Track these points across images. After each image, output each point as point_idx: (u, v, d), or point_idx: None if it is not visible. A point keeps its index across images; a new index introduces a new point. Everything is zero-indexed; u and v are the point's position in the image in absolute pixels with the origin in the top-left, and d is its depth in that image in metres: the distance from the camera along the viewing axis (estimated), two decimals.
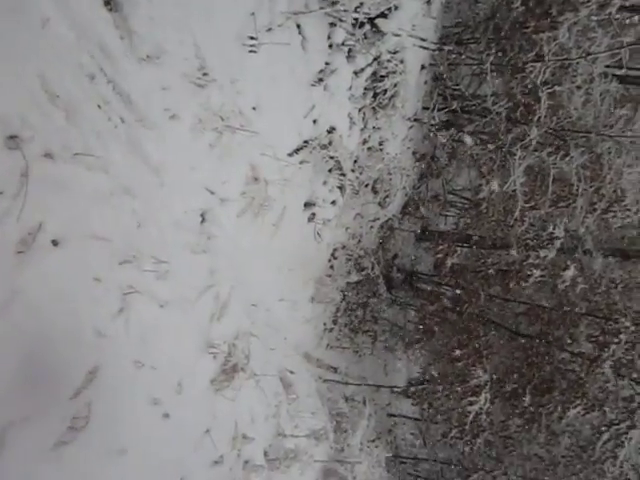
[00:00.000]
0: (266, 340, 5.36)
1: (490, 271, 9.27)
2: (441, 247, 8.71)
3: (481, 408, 8.35)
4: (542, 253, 8.34)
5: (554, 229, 8.20)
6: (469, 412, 8.55)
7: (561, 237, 8.22)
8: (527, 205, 7.83)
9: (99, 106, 3.03)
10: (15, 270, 2.04)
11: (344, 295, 8.22)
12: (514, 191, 7.84)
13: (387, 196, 7.40)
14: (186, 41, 3.73)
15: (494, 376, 8.85)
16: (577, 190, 7.97)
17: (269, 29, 4.57)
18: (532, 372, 9.11)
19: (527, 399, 8.91)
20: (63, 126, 2.48)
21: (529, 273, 8.44)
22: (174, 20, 3.58)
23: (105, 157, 2.80)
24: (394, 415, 10.64)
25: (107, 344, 2.64)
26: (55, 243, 2.24)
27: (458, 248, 9.01)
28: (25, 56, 2.29)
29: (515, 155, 7.37)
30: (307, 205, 6.13)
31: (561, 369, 8.90)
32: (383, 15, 5.56)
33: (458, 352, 9.02)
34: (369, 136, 6.54)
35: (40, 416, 2.21)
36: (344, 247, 7.49)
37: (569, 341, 8.91)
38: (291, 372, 5.90)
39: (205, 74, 3.95)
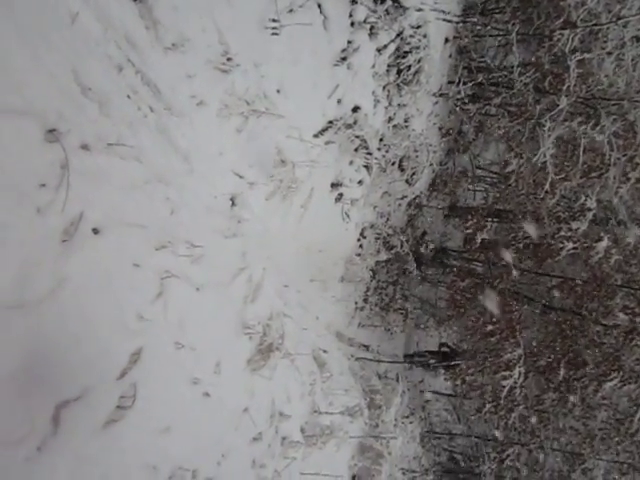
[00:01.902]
0: (299, 320, 5.45)
1: (521, 245, 9.17)
2: (470, 223, 8.64)
3: (515, 382, 8.33)
4: (574, 225, 8.20)
5: (586, 200, 8.05)
6: (503, 387, 8.54)
7: (593, 208, 8.07)
8: (557, 177, 7.69)
9: (128, 96, 3.10)
10: (61, 258, 2.13)
11: (374, 274, 8.26)
12: (544, 163, 7.71)
13: (414, 173, 7.37)
14: (209, 28, 3.76)
15: (528, 350, 8.81)
16: (609, 160, 7.79)
17: (290, 10, 4.56)
18: (566, 346, 9.03)
19: (562, 373, 8.84)
20: (97, 117, 2.55)
21: (561, 246, 8.31)
22: (196, 8, 3.61)
23: (137, 146, 2.88)
24: (427, 392, 10.70)
25: (148, 327, 2.74)
26: (96, 231, 2.32)
27: (488, 223, 8.92)
28: (58, 52, 2.36)
29: (544, 126, 7.23)
30: (334, 186, 6.15)
31: (596, 342, 8.79)
32: None
33: (490, 327, 8.99)
34: (394, 113, 6.50)
35: (90, 396, 2.33)
36: (372, 226, 7.50)
37: (604, 313, 8.78)
38: (324, 351, 6.00)
39: (229, 59, 3.98)
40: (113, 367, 2.56)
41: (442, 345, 8.38)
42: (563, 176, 7.81)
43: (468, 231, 8.81)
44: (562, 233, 8.10)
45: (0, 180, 1.90)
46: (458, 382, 10.36)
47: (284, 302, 4.96)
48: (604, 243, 8.09)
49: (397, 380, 8.40)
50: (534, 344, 9.41)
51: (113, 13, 3.02)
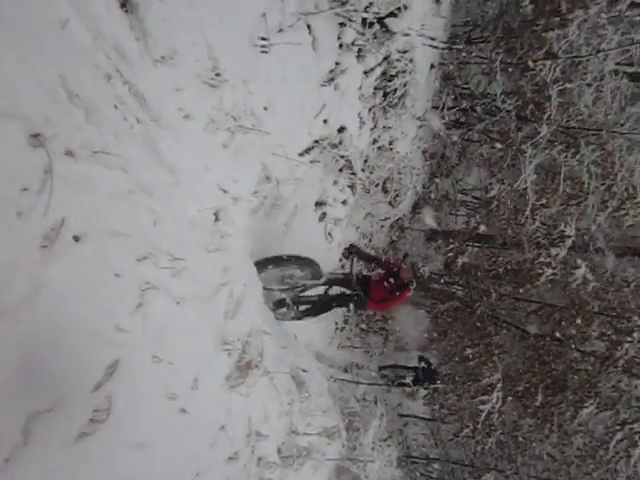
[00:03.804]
0: (278, 338, 5.39)
1: (501, 270, 9.28)
2: (452, 246, 8.72)
3: (493, 407, 8.34)
4: (553, 251, 8.33)
5: (565, 227, 8.19)
6: (481, 411, 8.53)
7: (572, 235, 8.21)
8: (538, 203, 7.84)
9: (115, 106, 3.08)
10: (40, 264, 2.09)
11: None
12: (525, 189, 7.85)
13: (397, 195, 7.44)
14: (199, 42, 3.78)
15: (506, 375, 8.85)
16: (588, 188, 7.97)
17: (280, 30, 4.62)
18: (544, 371, 9.10)
19: (539, 398, 8.89)
20: (83, 125, 2.53)
21: (540, 272, 8.42)
22: (187, 21, 3.63)
23: (123, 156, 2.85)
24: (405, 415, 10.65)
25: (126, 339, 2.69)
26: (77, 239, 2.28)
27: (469, 247, 9.02)
28: (46, 56, 2.35)
29: (526, 153, 7.38)
30: (318, 204, 6.17)
31: (573, 368, 8.89)
32: (393, 14, 5.61)
33: (470, 351, 9.03)
34: (379, 135, 6.58)
35: (63, 407, 2.25)
36: None
37: (581, 340, 8.88)
38: (303, 370, 5.93)
39: (218, 75, 4.00)
40: (88, 378, 2.49)
41: (421, 359, 8.23)
42: (543, 202, 7.97)
43: (449, 254, 8.89)
44: (541, 259, 8.22)
45: None
46: (436, 406, 10.35)
47: (264, 319, 4.91)
48: (582, 270, 8.22)
49: (375, 403, 8.35)
50: (513, 369, 9.46)
51: (103, 23, 3.02)
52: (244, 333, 4.33)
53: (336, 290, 6.02)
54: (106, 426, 2.52)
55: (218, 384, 3.91)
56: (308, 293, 5.87)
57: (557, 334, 8.89)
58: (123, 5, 3.22)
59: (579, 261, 8.35)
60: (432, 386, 8.46)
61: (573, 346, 8.71)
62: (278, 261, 5.39)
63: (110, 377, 2.57)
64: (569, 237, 8.17)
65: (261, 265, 5.18)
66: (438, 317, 9.73)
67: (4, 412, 2.02)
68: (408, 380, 8.30)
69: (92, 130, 2.60)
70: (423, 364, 8.20)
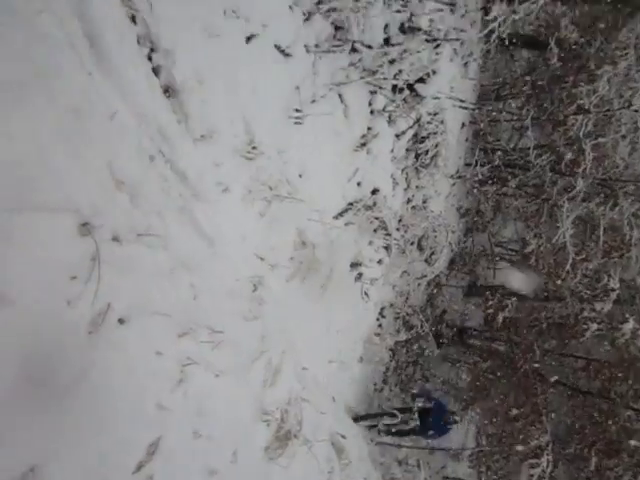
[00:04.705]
0: (317, 404, 5.32)
1: (544, 325, 9.00)
2: (491, 302, 8.55)
3: (543, 471, 7.90)
4: (598, 306, 8.07)
5: (609, 280, 7.95)
6: (531, 476, 8.09)
7: (617, 289, 7.95)
8: (578, 257, 7.66)
9: (158, 185, 3.22)
10: (85, 350, 2.16)
11: (393, 354, 8.11)
12: (564, 243, 7.70)
13: (433, 253, 7.40)
14: (236, 119, 3.96)
15: (555, 436, 8.43)
16: (630, 240, 7.77)
17: (313, 100, 4.79)
18: (596, 432, 8.63)
19: (593, 462, 8.40)
20: (128, 209, 2.65)
21: (585, 327, 8.14)
22: (225, 101, 3.82)
23: (164, 235, 2.96)
24: (450, 478, 10.19)
25: (167, 416, 2.71)
26: (121, 322, 2.36)
27: (509, 302, 8.82)
28: (95, 147, 2.50)
29: (562, 207, 7.29)
30: (353, 265, 6.18)
31: (628, 428, 8.40)
32: (421, 80, 5.75)
33: (515, 411, 8.66)
34: (413, 195, 6.63)
35: None
36: (392, 305, 7.46)
37: (634, 397, 8.45)
38: (342, 436, 5.80)
39: (254, 148, 4.15)
40: (130, 459, 2.51)
41: (415, 397, 6.86)
42: (584, 256, 7.79)
43: (489, 310, 8.71)
44: (585, 314, 7.96)
45: (33, 274, 1.96)
46: (483, 469, 9.87)
47: (302, 386, 4.87)
48: (630, 325, 7.91)
49: (418, 467, 8.02)
50: (562, 429, 9.02)
51: (148, 109, 3.21)
52: (283, 401, 4.30)
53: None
54: None
55: (257, 456, 3.86)
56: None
57: (608, 392, 8.49)
58: (166, 91, 3.43)
59: (627, 315, 8.05)
60: (444, 430, 6.75)
61: (626, 404, 8.28)
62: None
63: (152, 456, 2.58)
64: (613, 290, 7.91)
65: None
66: (480, 375, 9.43)
67: None
68: (411, 425, 6.60)
69: (136, 213, 2.72)
70: (419, 404, 6.59)
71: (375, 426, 6.95)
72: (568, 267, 7.59)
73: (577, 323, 8.31)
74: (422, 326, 7.85)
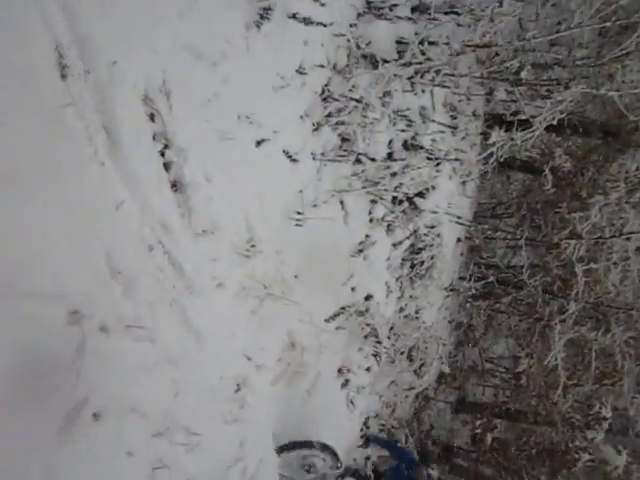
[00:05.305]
0: None
1: (534, 451, 8.64)
2: (480, 421, 8.26)
3: None
4: (589, 434, 7.79)
5: (601, 408, 7.73)
6: None
7: (609, 417, 7.71)
8: (570, 382, 7.52)
9: (154, 277, 3.21)
10: (54, 448, 2.03)
11: (375, 467, 7.68)
12: (555, 366, 7.58)
13: (423, 364, 7.26)
14: (238, 217, 4.04)
15: None
16: (622, 368, 7.67)
17: (314, 205, 4.92)
18: None
19: None
20: (120, 299, 2.62)
21: (577, 456, 7.81)
22: (230, 199, 3.91)
23: (153, 327, 2.90)
24: None
25: None
26: (96, 417, 2.24)
27: (498, 423, 8.53)
28: (97, 237, 2.52)
29: (554, 329, 7.26)
30: (341, 371, 6.03)
31: None
32: (421, 194, 5.95)
33: None
34: (406, 304, 6.62)
35: None
36: (377, 416, 7.18)
37: None
38: None
39: (253, 246, 4.19)
40: None
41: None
42: (575, 381, 7.65)
43: (477, 430, 8.39)
44: (577, 443, 7.67)
45: (16, 364, 1.89)
46: None
47: None
48: (623, 457, 7.60)
49: None
50: None
51: (154, 201, 3.27)
52: None
53: None
54: None
55: None
56: None
57: None
58: (174, 185, 3.52)
59: (619, 446, 7.76)
60: None
61: None
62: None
63: None
64: (606, 419, 7.67)
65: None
66: None
67: None
68: None
69: (128, 303, 2.69)
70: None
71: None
72: (559, 391, 7.43)
73: (568, 451, 7.98)
74: (407, 441, 7.52)
